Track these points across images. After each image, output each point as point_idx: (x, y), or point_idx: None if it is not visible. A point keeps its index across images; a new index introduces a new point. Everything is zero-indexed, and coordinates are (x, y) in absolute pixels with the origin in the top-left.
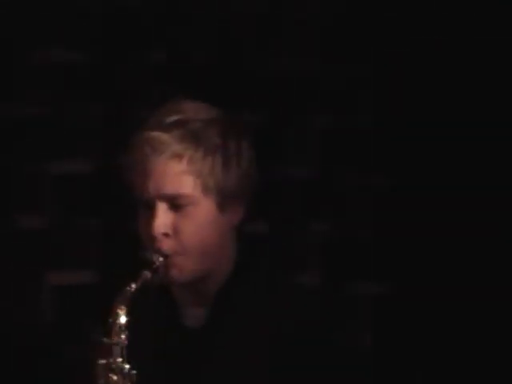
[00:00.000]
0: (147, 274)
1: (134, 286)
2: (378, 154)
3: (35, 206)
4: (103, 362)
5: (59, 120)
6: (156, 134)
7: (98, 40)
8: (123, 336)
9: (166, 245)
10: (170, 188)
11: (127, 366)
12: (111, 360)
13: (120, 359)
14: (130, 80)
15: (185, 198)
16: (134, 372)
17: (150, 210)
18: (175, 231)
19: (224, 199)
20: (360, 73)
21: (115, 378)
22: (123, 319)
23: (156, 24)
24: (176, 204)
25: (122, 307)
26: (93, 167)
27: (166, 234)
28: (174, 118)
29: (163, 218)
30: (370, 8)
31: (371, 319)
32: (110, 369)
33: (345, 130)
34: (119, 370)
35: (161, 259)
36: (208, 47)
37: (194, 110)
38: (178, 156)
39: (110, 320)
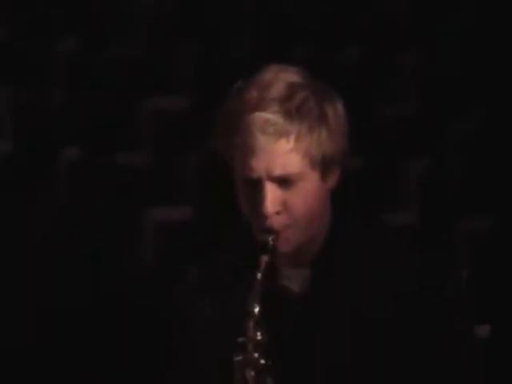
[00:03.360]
0: (265, 257)
1: (259, 275)
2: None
3: (135, 143)
4: (239, 358)
5: (156, 59)
6: (260, 113)
7: None
8: (259, 333)
9: (277, 222)
10: (279, 168)
11: (263, 362)
12: (248, 356)
13: (256, 354)
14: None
15: (294, 176)
16: (270, 363)
17: (256, 187)
18: (285, 207)
19: (327, 168)
20: None
21: (252, 373)
22: (258, 315)
23: None
24: (284, 182)
25: (255, 303)
26: (190, 103)
27: (277, 212)
28: (272, 93)
29: (273, 196)
30: None
31: (472, 256)
32: (246, 365)
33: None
34: (256, 366)
35: (272, 237)
36: None
37: (285, 80)
38: (286, 135)
39: (246, 317)
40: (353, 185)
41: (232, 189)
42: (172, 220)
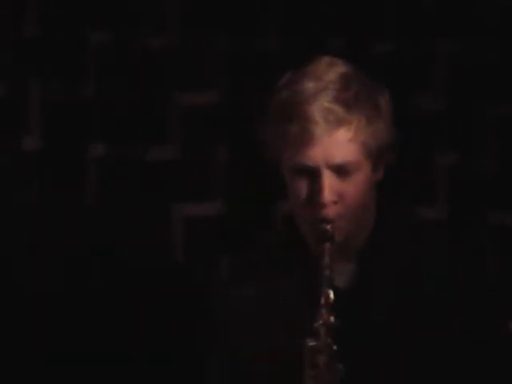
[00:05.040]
0: (328, 245)
1: (325, 262)
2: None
3: (163, 138)
4: (312, 343)
5: (186, 51)
6: (321, 102)
7: None
8: (332, 317)
9: (332, 211)
10: (338, 157)
11: (335, 347)
12: (321, 341)
13: (329, 340)
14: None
15: (351, 165)
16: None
17: (312, 176)
18: (341, 197)
19: (379, 159)
20: None
21: (324, 359)
22: (331, 300)
23: None
24: (342, 171)
25: (329, 290)
26: (219, 98)
27: (334, 202)
28: (327, 84)
29: (331, 185)
30: None
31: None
32: (318, 350)
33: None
34: (328, 351)
35: (330, 225)
36: None
37: (336, 71)
38: (346, 124)
39: (320, 303)
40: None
41: (266, 181)
42: (201, 215)
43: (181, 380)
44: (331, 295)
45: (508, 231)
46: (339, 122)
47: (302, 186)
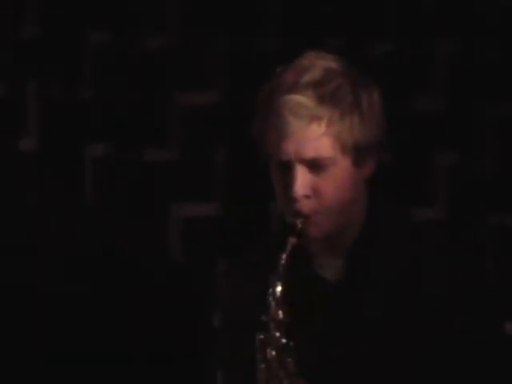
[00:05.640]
0: (293, 240)
1: (284, 256)
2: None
3: (162, 139)
4: (261, 337)
5: (186, 51)
6: (294, 96)
7: None
8: (280, 312)
9: (307, 206)
10: (310, 152)
11: (285, 341)
12: (269, 335)
13: (278, 334)
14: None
15: (324, 160)
16: (292, 344)
17: (287, 170)
18: (315, 192)
19: (360, 155)
20: None
21: (273, 353)
22: (280, 294)
23: None
24: (315, 165)
25: (277, 283)
26: (218, 99)
27: (306, 196)
28: (307, 77)
29: (303, 180)
30: None
31: (501, 252)
32: (268, 344)
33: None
34: (277, 345)
35: (301, 220)
36: None
37: (323, 66)
38: (318, 119)
39: (268, 297)
40: (382, 178)
41: (263, 179)
42: (200, 215)
43: (180, 380)
44: (278, 289)
45: (508, 231)
46: (311, 117)
47: (280, 180)
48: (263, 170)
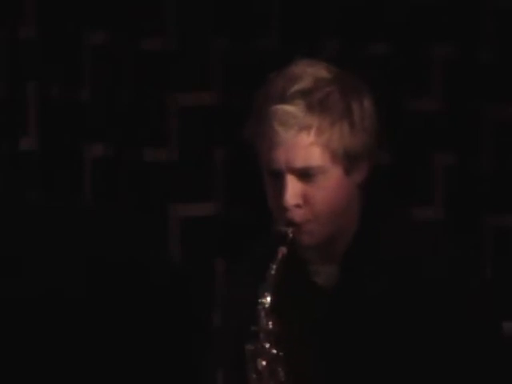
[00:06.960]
0: (283, 249)
1: (274, 266)
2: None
3: (161, 139)
4: (251, 347)
5: (185, 52)
6: (282, 106)
7: None
8: (270, 322)
9: (298, 215)
10: (299, 161)
11: (275, 352)
12: (259, 345)
13: (268, 345)
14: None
15: (314, 169)
16: (281, 354)
17: (278, 178)
18: (306, 200)
19: (351, 163)
20: None
21: (264, 363)
22: (269, 305)
23: None
24: (305, 175)
25: (267, 293)
26: (219, 99)
27: (297, 205)
28: (297, 86)
29: (293, 189)
30: None
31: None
32: (258, 354)
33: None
34: (267, 356)
35: (292, 229)
36: None
37: (313, 74)
38: (306, 128)
39: (258, 307)
40: (380, 180)
41: (262, 179)
42: (198, 216)
43: (180, 380)
44: (268, 299)
45: (507, 232)
46: (300, 126)
47: (271, 189)
48: (262, 170)
